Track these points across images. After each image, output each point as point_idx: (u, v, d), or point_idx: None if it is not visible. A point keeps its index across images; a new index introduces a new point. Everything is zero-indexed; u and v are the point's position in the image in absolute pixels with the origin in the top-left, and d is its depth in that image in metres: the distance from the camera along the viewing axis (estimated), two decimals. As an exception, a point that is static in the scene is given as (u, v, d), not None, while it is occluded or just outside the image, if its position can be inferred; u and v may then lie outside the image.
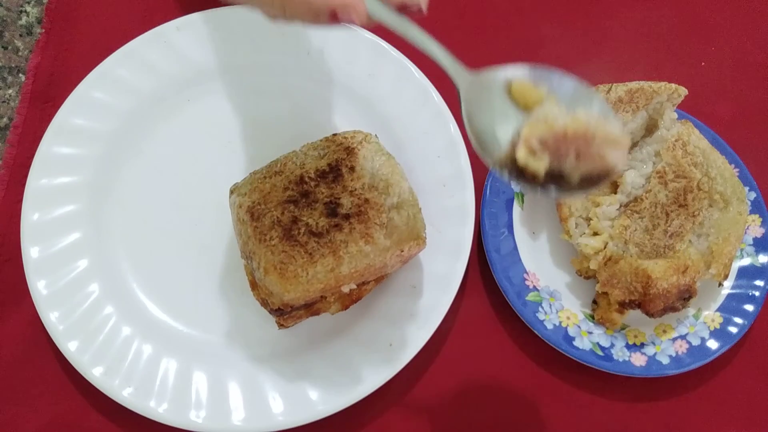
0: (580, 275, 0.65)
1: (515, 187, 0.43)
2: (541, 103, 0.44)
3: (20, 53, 0.75)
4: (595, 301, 0.65)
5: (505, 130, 0.44)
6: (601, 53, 0.78)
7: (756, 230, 0.67)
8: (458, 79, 0.44)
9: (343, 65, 0.71)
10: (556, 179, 0.43)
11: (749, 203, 0.67)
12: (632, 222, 0.61)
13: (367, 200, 0.57)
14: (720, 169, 0.63)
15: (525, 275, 0.65)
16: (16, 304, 0.65)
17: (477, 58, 0.76)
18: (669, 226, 0.61)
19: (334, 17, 0.41)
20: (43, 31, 0.75)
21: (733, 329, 0.63)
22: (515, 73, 0.45)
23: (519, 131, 0.43)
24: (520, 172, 0.43)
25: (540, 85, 0.44)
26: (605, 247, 0.61)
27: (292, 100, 0.71)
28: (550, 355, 0.64)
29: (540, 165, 0.42)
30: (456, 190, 0.66)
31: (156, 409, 0.58)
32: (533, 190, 0.43)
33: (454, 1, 0.79)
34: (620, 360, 0.62)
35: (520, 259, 0.66)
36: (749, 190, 0.68)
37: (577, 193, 0.43)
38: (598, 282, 0.62)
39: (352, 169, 0.59)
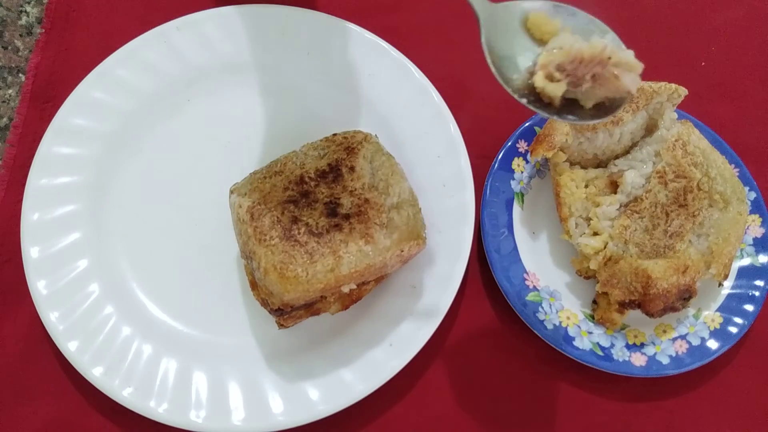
0: (580, 275, 0.65)
1: (534, 110, 0.46)
2: (556, 34, 0.46)
3: (20, 53, 0.75)
4: (595, 301, 0.65)
5: (523, 58, 0.46)
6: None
7: (756, 230, 0.67)
8: (479, 8, 0.46)
9: (343, 65, 0.71)
10: (571, 106, 0.46)
11: (749, 203, 0.67)
12: (632, 222, 0.61)
13: (367, 200, 0.57)
14: (720, 169, 0.63)
15: (525, 275, 0.65)
16: (16, 304, 0.65)
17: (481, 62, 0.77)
18: (669, 226, 0.61)
19: None
20: (43, 31, 0.75)
21: (733, 329, 0.63)
22: (532, 5, 0.47)
23: (535, 60, 0.46)
24: (538, 98, 0.45)
25: (555, 18, 0.47)
26: (605, 247, 0.61)
27: (292, 100, 0.71)
28: (550, 355, 0.64)
29: (557, 89, 0.45)
30: (456, 190, 0.66)
31: (156, 409, 0.58)
32: (550, 115, 0.45)
33: None
34: (620, 360, 0.62)
35: (520, 259, 0.66)
36: (749, 190, 0.68)
37: (592, 119, 0.46)
38: (598, 282, 0.62)
39: (352, 169, 0.59)
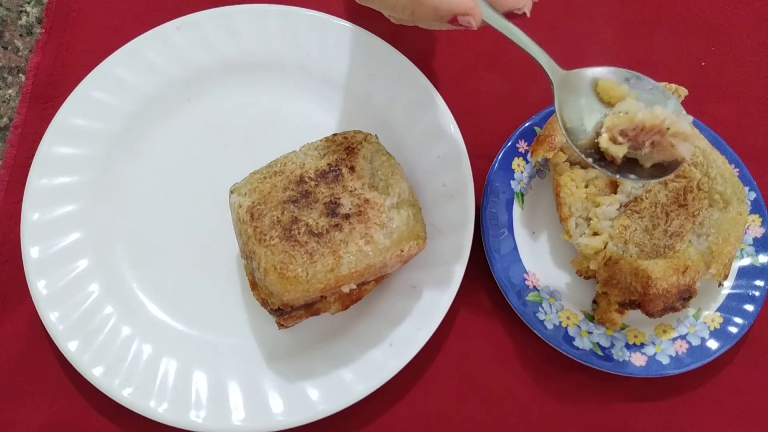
0: (580, 275, 0.65)
1: (597, 168, 0.51)
2: (623, 99, 0.51)
3: (20, 53, 0.75)
4: (595, 301, 0.65)
5: (589, 119, 0.51)
6: (601, 54, 0.78)
7: (756, 230, 0.67)
8: (553, 75, 0.51)
9: (344, 65, 0.71)
10: (631, 164, 0.51)
11: (749, 203, 0.67)
12: (632, 222, 0.61)
13: (367, 200, 0.57)
14: (720, 169, 0.63)
15: (525, 275, 0.65)
16: (16, 304, 0.65)
17: (481, 63, 0.77)
18: (669, 226, 0.61)
19: (454, 21, 0.48)
20: (43, 31, 0.75)
21: (733, 329, 0.63)
22: (601, 72, 0.52)
23: (602, 121, 0.51)
24: (602, 156, 0.50)
25: (622, 84, 0.51)
26: (605, 247, 0.61)
27: (293, 100, 0.71)
28: (550, 355, 0.64)
29: (619, 151, 0.49)
30: (456, 190, 0.66)
31: (156, 409, 0.58)
32: (612, 173, 0.50)
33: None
34: (620, 360, 0.62)
35: (520, 259, 0.66)
36: (749, 190, 0.68)
37: (649, 179, 0.51)
38: (598, 282, 0.62)
39: (352, 169, 0.59)
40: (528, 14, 0.51)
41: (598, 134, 0.50)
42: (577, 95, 0.51)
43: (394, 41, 0.71)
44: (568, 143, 0.52)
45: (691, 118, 0.50)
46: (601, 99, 0.52)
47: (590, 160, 0.50)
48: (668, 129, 0.49)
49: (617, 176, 0.50)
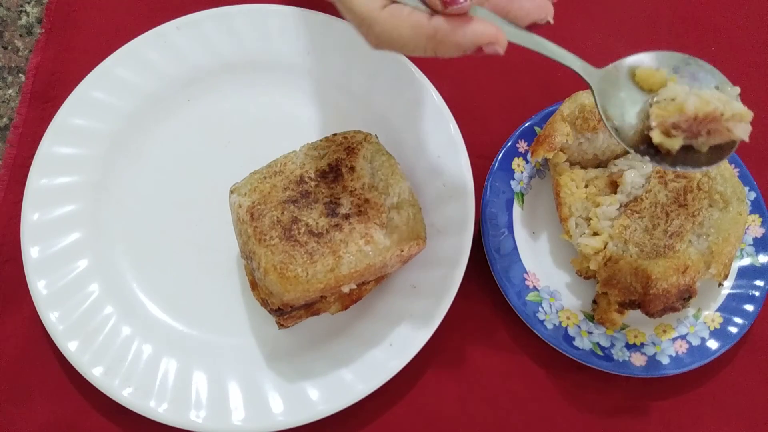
0: (580, 275, 0.65)
1: (651, 163, 0.48)
2: (664, 85, 0.48)
3: (20, 53, 0.75)
4: (595, 301, 0.65)
5: (632, 111, 0.48)
6: (601, 54, 0.78)
7: (756, 230, 0.67)
8: (590, 79, 0.48)
9: (343, 65, 0.71)
10: (686, 151, 0.48)
11: (749, 203, 0.67)
12: (632, 222, 0.61)
13: (367, 200, 0.58)
14: (720, 169, 0.63)
15: (525, 275, 0.65)
16: (16, 304, 0.65)
17: (481, 62, 0.77)
18: (669, 226, 0.61)
19: (479, 51, 0.45)
20: (43, 31, 0.75)
21: (733, 329, 0.63)
22: (636, 60, 0.49)
23: (646, 110, 0.48)
24: (656, 150, 0.48)
25: (660, 68, 0.49)
26: (605, 247, 0.61)
27: (293, 100, 0.71)
28: (550, 355, 0.64)
29: (675, 143, 0.47)
30: (456, 190, 0.66)
31: (156, 409, 0.58)
32: (668, 166, 0.48)
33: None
34: (620, 360, 0.62)
35: (520, 259, 0.66)
36: (749, 190, 0.68)
37: (708, 164, 0.48)
38: (598, 282, 0.62)
39: (352, 169, 0.59)
40: (551, 21, 0.49)
41: (645, 125, 0.48)
42: (616, 89, 0.49)
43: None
44: (619, 143, 0.48)
45: (738, 89, 0.48)
46: (641, 87, 0.49)
47: (647, 157, 0.47)
48: (722, 115, 0.46)
49: (676, 168, 0.47)
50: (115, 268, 0.65)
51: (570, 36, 0.78)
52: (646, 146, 0.48)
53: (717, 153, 0.48)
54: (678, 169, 0.48)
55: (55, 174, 0.65)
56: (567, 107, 0.64)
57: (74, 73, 0.71)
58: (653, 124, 0.47)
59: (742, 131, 0.47)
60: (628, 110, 0.49)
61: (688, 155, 0.48)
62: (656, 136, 0.47)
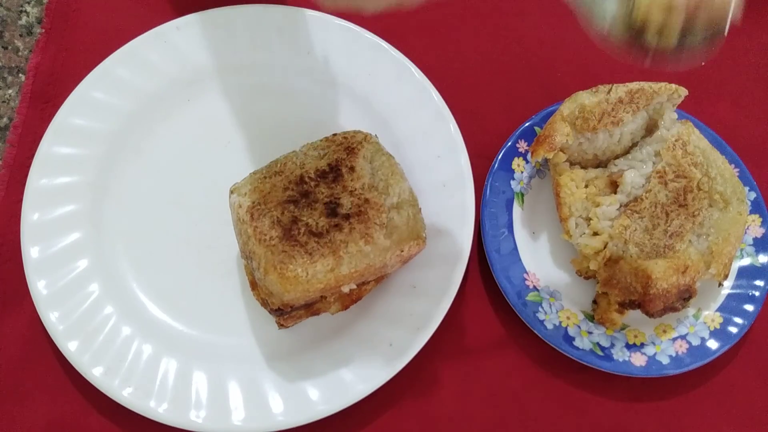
0: (580, 275, 0.65)
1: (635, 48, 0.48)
2: None
3: (20, 53, 0.75)
4: (595, 301, 0.65)
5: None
6: (601, 53, 0.78)
7: (756, 230, 0.67)
8: None
9: (343, 65, 0.71)
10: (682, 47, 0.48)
11: (749, 203, 0.67)
12: (632, 222, 0.61)
13: (367, 200, 0.57)
14: (720, 169, 0.63)
15: (525, 275, 0.65)
16: (16, 304, 0.65)
17: (481, 62, 0.77)
18: (669, 226, 0.61)
19: None
20: (43, 31, 0.75)
21: (733, 329, 0.63)
22: None
23: None
24: (638, 33, 0.47)
25: None
26: (605, 247, 0.61)
27: (292, 100, 0.71)
28: (550, 355, 0.64)
29: (671, 38, 0.47)
30: (456, 190, 0.66)
31: (156, 409, 0.58)
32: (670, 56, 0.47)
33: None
34: (620, 360, 0.62)
35: (520, 259, 0.66)
36: (749, 190, 0.68)
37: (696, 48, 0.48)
38: (598, 282, 0.62)
39: (352, 169, 0.59)
40: None
41: (629, 8, 0.46)
42: None
43: (393, 41, 0.71)
44: (615, 39, 0.47)
45: None
46: None
47: (624, 36, 0.46)
48: None
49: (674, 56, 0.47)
50: (115, 268, 0.65)
51: (570, 38, 0.79)
52: (629, 28, 0.47)
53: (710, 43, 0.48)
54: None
55: (55, 174, 0.65)
56: (567, 107, 0.64)
57: (74, 73, 0.71)
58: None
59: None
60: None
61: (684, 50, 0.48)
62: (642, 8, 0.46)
